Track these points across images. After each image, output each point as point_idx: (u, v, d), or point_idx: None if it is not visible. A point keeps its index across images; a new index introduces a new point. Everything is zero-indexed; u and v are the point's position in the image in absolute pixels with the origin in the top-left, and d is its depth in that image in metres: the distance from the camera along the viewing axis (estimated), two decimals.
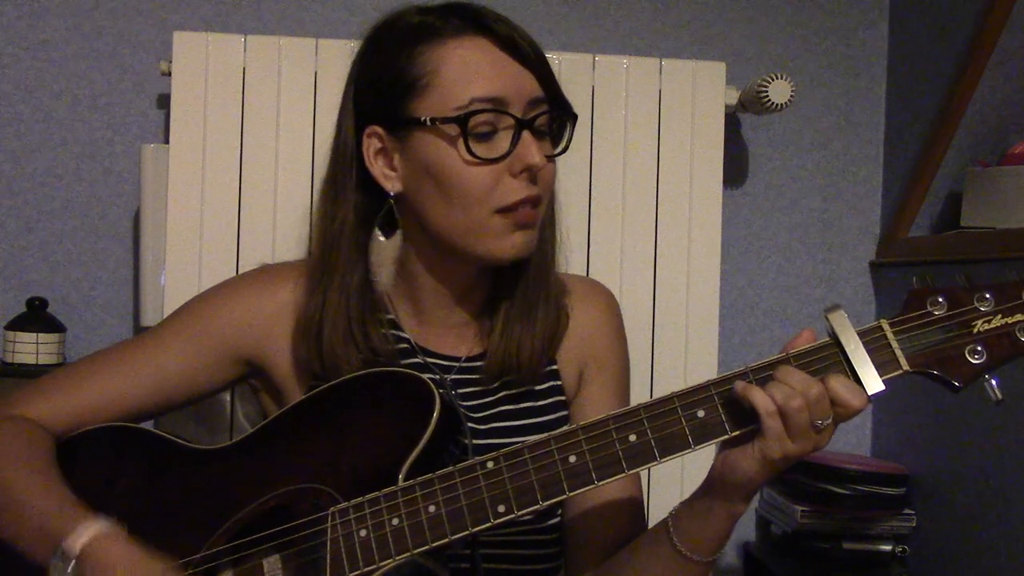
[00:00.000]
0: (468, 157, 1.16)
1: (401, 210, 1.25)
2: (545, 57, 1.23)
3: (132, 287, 2.16)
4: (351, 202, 1.25)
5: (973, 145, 2.01)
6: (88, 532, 1.06)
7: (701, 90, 1.97)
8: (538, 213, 1.21)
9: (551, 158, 1.22)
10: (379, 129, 1.22)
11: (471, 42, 1.19)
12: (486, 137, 1.17)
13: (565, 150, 1.25)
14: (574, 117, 1.25)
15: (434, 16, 1.21)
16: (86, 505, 1.12)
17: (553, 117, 1.23)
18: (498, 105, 1.16)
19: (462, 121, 1.15)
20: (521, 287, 1.28)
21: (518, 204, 1.18)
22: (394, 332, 1.29)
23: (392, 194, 1.23)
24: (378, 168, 1.23)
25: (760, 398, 1.00)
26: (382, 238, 1.24)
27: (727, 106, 2.00)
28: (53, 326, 2.04)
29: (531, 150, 1.16)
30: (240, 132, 1.88)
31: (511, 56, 1.19)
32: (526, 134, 1.17)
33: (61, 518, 1.09)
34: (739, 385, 1.02)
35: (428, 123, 1.17)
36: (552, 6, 2.23)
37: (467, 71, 1.17)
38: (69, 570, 1.05)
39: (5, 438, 1.19)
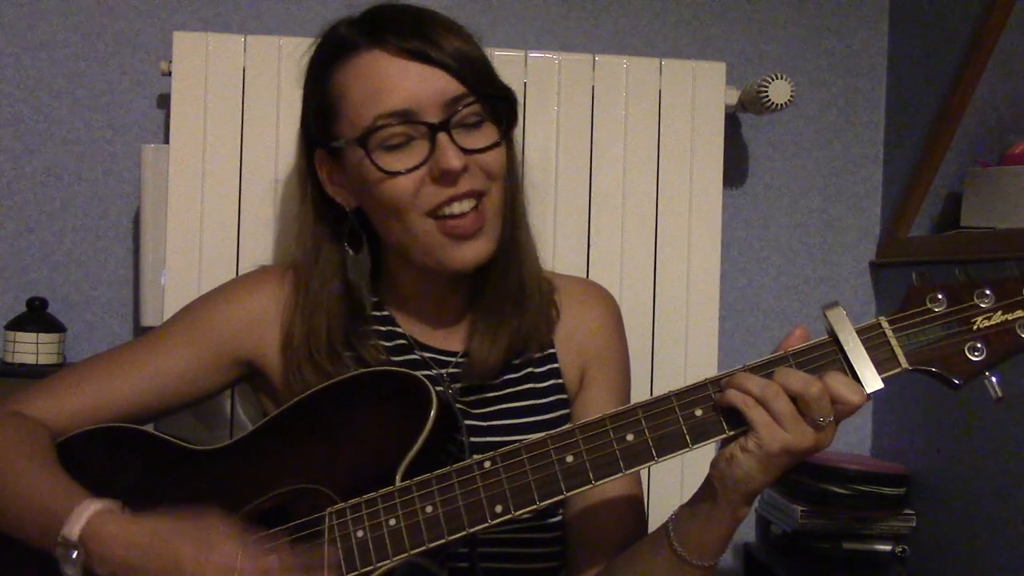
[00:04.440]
0: (379, 174, 1.16)
1: (366, 222, 1.26)
2: (464, 47, 1.19)
3: (132, 287, 2.16)
4: (313, 220, 1.27)
5: (973, 145, 2.01)
6: (84, 515, 1.06)
7: (701, 90, 1.97)
8: (483, 212, 1.19)
9: (489, 148, 1.19)
10: (322, 153, 1.24)
11: (372, 57, 1.17)
12: (399, 148, 1.16)
13: (510, 129, 1.23)
14: (507, 98, 1.22)
15: (351, 29, 1.20)
16: (82, 488, 1.11)
17: (484, 105, 1.20)
18: (406, 117, 1.15)
19: (362, 141, 1.15)
20: (489, 284, 1.28)
21: (443, 204, 1.17)
22: (390, 328, 1.29)
23: (348, 210, 1.25)
24: (332, 189, 1.26)
25: (735, 396, 1.01)
26: (352, 253, 1.26)
27: (727, 106, 2.00)
28: (53, 326, 2.04)
29: (446, 155, 1.15)
30: (240, 132, 1.88)
31: (417, 60, 1.16)
32: (440, 137, 1.15)
33: (57, 505, 1.09)
34: (716, 396, 1.03)
35: (343, 146, 1.19)
36: (552, 6, 2.23)
37: (368, 90, 1.16)
38: (74, 557, 1.05)
39: (4, 432, 1.19)
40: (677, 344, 1.96)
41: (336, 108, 1.20)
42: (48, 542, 1.07)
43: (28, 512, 1.12)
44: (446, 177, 1.16)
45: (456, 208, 1.17)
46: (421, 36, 1.17)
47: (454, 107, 1.16)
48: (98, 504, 1.08)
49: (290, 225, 1.32)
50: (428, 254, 1.19)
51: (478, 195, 1.18)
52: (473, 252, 1.19)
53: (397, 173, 1.16)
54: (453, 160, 1.15)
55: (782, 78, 1.97)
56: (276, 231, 1.34)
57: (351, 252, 1.26)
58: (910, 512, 2.06)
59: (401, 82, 1.16)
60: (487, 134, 1.20)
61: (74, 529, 1.05)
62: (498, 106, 1.22)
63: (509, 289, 1.27)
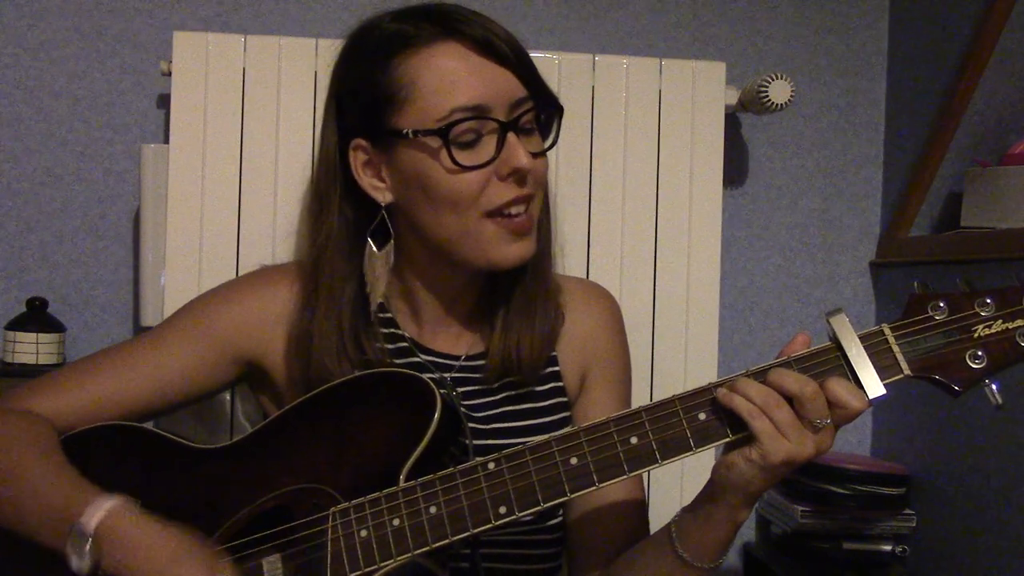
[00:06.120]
0: (452, 167, 1.15)
1: (394, 218, 1.25)
2: (524, 51, 1.21)
3: (132, 287, 2.16)
4: (337, 215, 1.26)
5: (973, 145, 2.01)
6: (103, 508, 1.06)
7: (701, 90, 1.97)
8: (532, 215, 1.21)
9: (540, 154, 1.22)
10: (364, 142, 1.23)
11: (445, 49, 1.17)
12: (470, 144, 1.16)
13: (554, 144, 1.25)
14: (560, 109, 1.25)
15: (408, 23, 1.20)
16: (96, 484, 1.11)
17: (539, 112, 1.22)
18: (479, 112, 1.16)
19: (443, 132, 1.15)
20: (520, 286, 1.28)
21: (508, 205, 1.18)
22: (392, 331, 1.29)
23: (383, 205, 1.24)
24: (367, 180, 1.24)
25: (739, 402, 1.00)
26: (375, 249, 1.25)
27: (727, 106, 2.00)
28: (53, 326, 2.04)
29: (517, 153, 1.16)
30: (240, 132, 1.88)
31: (488, 58, 1.18)
32: (511, 136, 1.17)
33: (73, 498, 1.08)
34: (721, 392, 1.02)
35: (411, 135, 1.17)
36: (552, 6, 2.23)
37: (444, 81, 1.16)
38: (87, 548, 1.03)
39: (10, 427, 1.19)
40: (677, 344, 1.96)
41: (399, 96, 1.18)
42: (59, 534, 1.06)
43: (39, 504, 1.11)
44: (515, 175, 1.17)
45: (514, 209, 1.18)
46: (490, 32, 1.18)
47: (518, 109, 1.18)
48: (118, 499, 1.08)
49: (311, 222, 1.30)
50: (478, 250, 1.19)
51: (530, 199, 1.20)
52: (521, 250, 1.20)
53: (470, 168, 1.16)
54: (524, 159, 1.16)
55: (782, 78, 1.97)
56: (298, 229, 1.34)
57: (375, 249, 1.25)
58: (910, 512, 2.06)
59: (477, 77, 1.17)
60: (537, 141, 1.23)
61: (91, 521, 1.05)
62: (546, 114, 1.24)
63: (542, 291, 1.29)
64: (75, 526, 1.05)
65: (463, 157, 1.15)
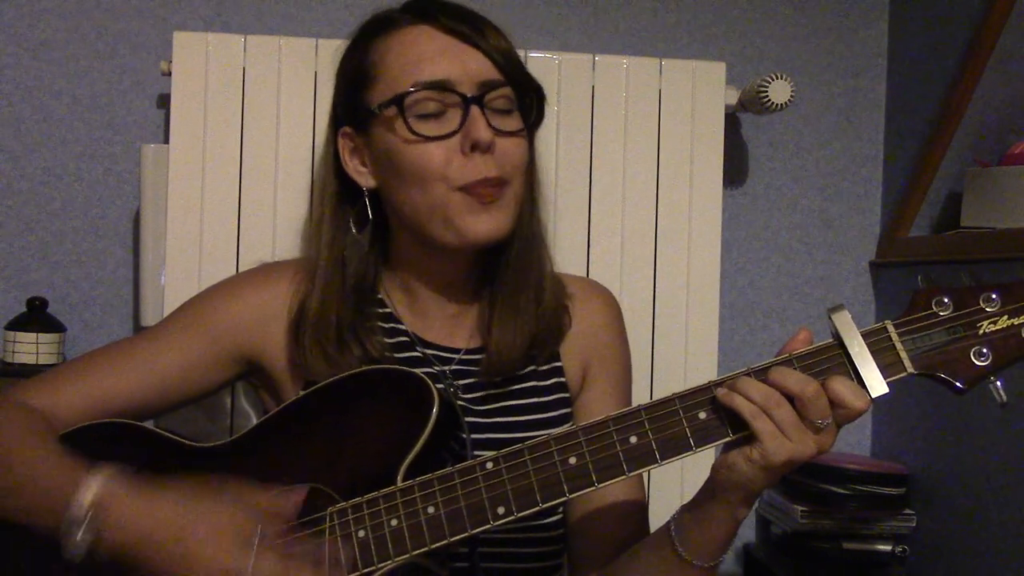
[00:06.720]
0: (410, 137, 1.17)
1: (382, 205, 1.27)
2: (507, 43, 1.23)
3: (132, 287, 2.16)
4: (333, 203, 1.28)
5: (973, 145, 2.01)
6: (96, 481, 1.04)
7: (701, 90, 1.97)
8: (504, 191, 1.20)
9: (513, 134, 1.21)
10: (348, 129, 1.26)
11: (418, 30, 1.20)
12: (432, 116, 1.18)
13: (535, 124, 1.25)
14: (538, 91, 1.25)
15: (396, 11, 1.25)
16: (88, 461, 1.08)
17: (522, 97, 1.23)
18: (442, 86, 1.17)
19: (399, 101, 1.17)
20: (506, 277, 1.28)
21: (477, 184, 1.17)
22: (392, 325, 1.29)
23: (365, 189, 1.25)
24: (352, 166, 1.27)
25: (740, 402, 1.00)
26: (355, 232, 1.27)
27: (727, 106, 2.00)
28: (53, 326, 2.04)
29: (477, 125, 1.16)
30: (240, 132, 1.88)
31: (462, 41, 1.20)
32: (474, 110, 1.17)
33: (68, 476, 1.06)
34: (721, 392, 1.01)
35: (376, 111, 1.19)
36: (552, 6, 2.23)
37: (410, 58, 1.19)
38: (79, 537, 1.01)
39: (4, 417, 1.18)
40: (677, 344, 1.96)
41: (372, 74, 1.21)
42: (55, 515, 1.03)
43: (35, 488, 1.08)
44: (476, 148, 1.17)
45: (485, 192, 1.18)
46: (470, 24, 1.21)
47: (488, 87, 1.19)
48: (108, 471, 1.05)
49: (312, 211, 1.32)
50: (446, 223, 1.19)
51: (502, 183, 1.20)
52: (490, 222, 1.19)
53: (428, 138, 1.17)
54: (483, 131, 1.16)
55: (782, 78, 1.97)
56: (305, 220, 1.36)
57: (354, 230, 1.26)
58: (910, 512, 2.06)
59: (442, 55, 1.19)
60: (515, 122, 1.23)
61: (84, 501, 1.02)
62: (527, 98, 1.24)
63: (529, 284, 1.28)
64: (70, 503, 1.02)
65: (423, 128, 1.17)
